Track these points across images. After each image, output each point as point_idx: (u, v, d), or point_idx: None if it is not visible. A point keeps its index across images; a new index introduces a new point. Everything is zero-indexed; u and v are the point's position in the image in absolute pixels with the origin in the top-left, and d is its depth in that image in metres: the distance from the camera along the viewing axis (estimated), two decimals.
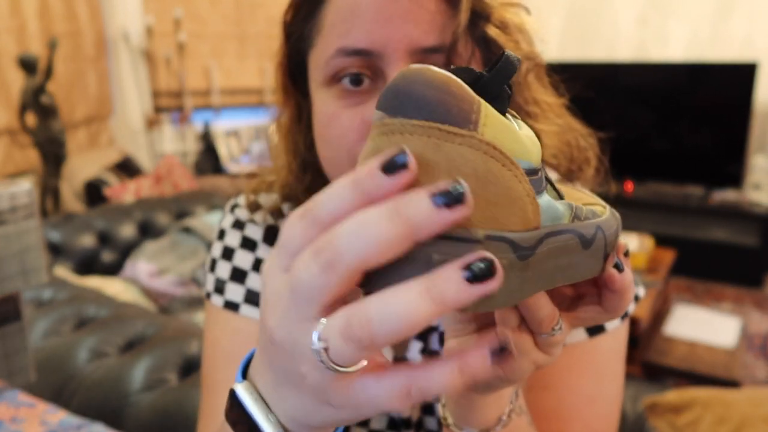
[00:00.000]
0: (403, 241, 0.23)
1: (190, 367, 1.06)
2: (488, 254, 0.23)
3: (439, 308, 0.23)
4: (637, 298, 0.60)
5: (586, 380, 0.55)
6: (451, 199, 0.23)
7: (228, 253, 0.62)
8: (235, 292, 0.60)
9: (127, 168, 3.17)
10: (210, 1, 3.65)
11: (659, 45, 3.65)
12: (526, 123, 0.32)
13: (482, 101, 0.25)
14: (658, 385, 1.22)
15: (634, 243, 2.44)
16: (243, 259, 0.61)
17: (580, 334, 0.55)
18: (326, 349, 0.24)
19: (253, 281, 0.60)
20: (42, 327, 1.18)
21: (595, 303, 0.35)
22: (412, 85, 0.25)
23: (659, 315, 2.36)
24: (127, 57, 3.51)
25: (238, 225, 0.63)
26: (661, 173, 3.58)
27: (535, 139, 0.28)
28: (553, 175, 0.55)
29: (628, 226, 3.03)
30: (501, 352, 0.26)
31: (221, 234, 0.64)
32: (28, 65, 2.62)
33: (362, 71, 0.47)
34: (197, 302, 1.92)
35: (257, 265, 0.61)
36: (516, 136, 0.26)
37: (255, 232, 0.62)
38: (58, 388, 1.05)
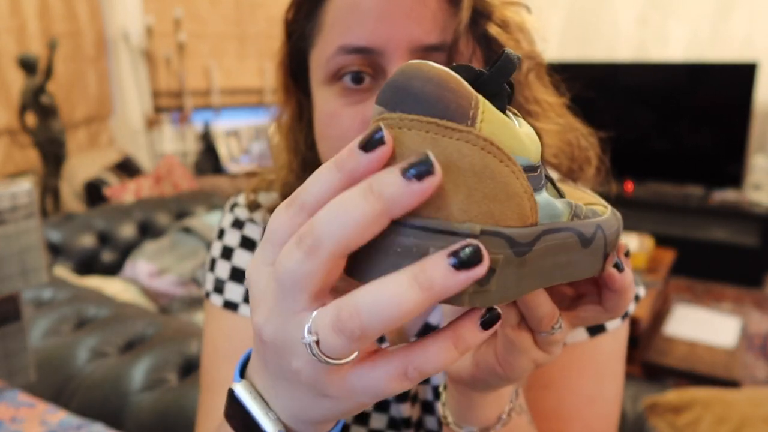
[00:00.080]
0: (379, 218, 0.23)
1: (190, 367, 1.06)
2: (474, 241, 0.23)
3: (427, 295, 0.23)
4: (637, 298, 0.60)
5: (587, 380, 0.55)
6: (421, 171, 0.23)
7: (227, 253, 0.62)
8: (234, 291, 0.60)
9: (127, 168, 3.17)
10: (210, 1, 3.65)
11: (659, 45, 3.65)
12: (527, 122, 0.32)
13: (480, 97, 0.25)
14: (658, 385, 1.22)
15: (634, 243, 2.44)
16: (242, 258, 0.61)
17: (580, 333, 0.55)
18: (317, 342, 0.24)
19: None
20: (42, 327, 1.18)
21: (595, 302, 0.35)
22: (411, 81, 0.25)
23: (659, 315, 2.36)
24: (127, 57, 3.51)
25: (238, 224, 0.63)
26: (661, 173, 3.58)
27: (535, 136, 0.28)
28: (554, 175, 0.55)
29: (628, 226, 3.03)
30: (490, 321, 0.26)
31: (221, 233, 0.64)
32: (28, 65, 2.62)
33: (363, 69, 0.47)
34: (197, 302, 1.92)
35: None
36: (514, 133, 0.26)
37: (254, 232, 0.62)
38: (58, 388, 1.05)
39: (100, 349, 1.10)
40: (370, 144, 0.24)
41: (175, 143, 3.68)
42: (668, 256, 2.58)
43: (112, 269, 2.04)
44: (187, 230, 2.10)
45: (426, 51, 0.46)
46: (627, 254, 0.34)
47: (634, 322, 1.96)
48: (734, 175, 3.36)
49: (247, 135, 3.83)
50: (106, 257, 2.06)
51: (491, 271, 0.24)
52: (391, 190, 0.23)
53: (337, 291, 0.26)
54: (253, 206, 0.61)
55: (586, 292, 0.36)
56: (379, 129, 0.24)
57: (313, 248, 0.24)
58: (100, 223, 2.10)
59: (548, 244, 0.27)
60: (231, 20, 3.72)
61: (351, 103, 0.48)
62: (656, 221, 3.40)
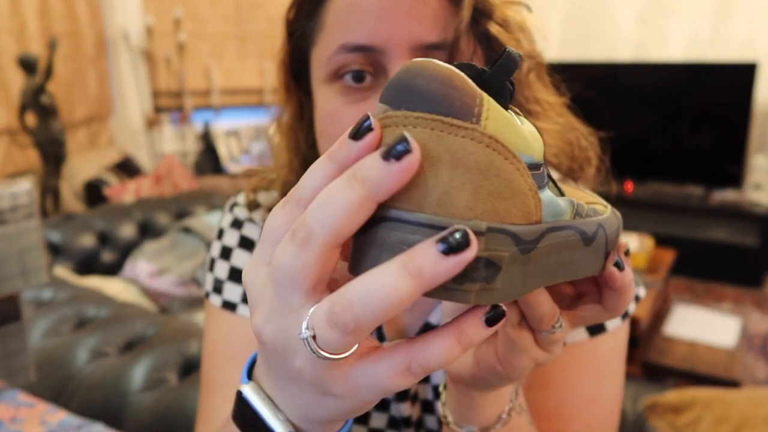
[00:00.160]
0: (365, 202, 0.23)
1: (190, 367, 1.06)
2: (462, 226, 0.23)
3: (418, 283, 0.23)
4: (637, 299, 0.60)
5: (587, 380, 0.55)
6: (399, 151, 0.23)
7: (226, 253, 0.62)
8: (232, 291, 0.60)
9: (127, 168, 3.17)
10: (210, 1, 3.65)
11: (659, 45, 3.65)
12: (528, 121, 0.32)
13: (485, 95, 0.25)
14: (658, 385, 1.22)
15: (634, 243, 2.44)
16: (241, 258, 0.61)
17: (580, 333, 0.55)
18: (314, 338, 0.24)
19: None
20: (42, 327, 1.18)
21: (595, 302, 0.35)
22: (416, 79, 0.25)
23: (659, 315, 2.36)
24: (127, 57, 3.51)
25: (237, 224, 0.63)
26: (661, 173, 3.58)
27: (537, 134, 0.28)
28: (554, 174, 0.55)
29: (628, 226, 3.01)
30: (495, 318, 0.26)
31: (220, 233, 0.64)
32: (28, 65, 2.62)
33: (364, 68, 0.47)
34: (197, 302, 1.92)
35: None
36: (518, 131, 0.26)
37: (253, 231, 0.62)
38: (58, 388, 1.05)
39: (100, 349, 1.10)
40: (359, 133, 0.25)
41: (175, 143, 3.68)
42: (668, 256, 2.58)
43: (112, 269, 2.04)
44: (187, 230, 2.10)
45: (427, 49, 0.46)
46: (627, 253, 0.34)
47: (634, 322, 1.96)
48: (734, 175, 3.36)
49: (247, 135, 3.83)
50: (106, 257, 2.06)
51: (497, 268, 0.24)
52: (373, 174, 0.23)
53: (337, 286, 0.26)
54: (252, 206, 0.61)
55: (586, 292, 0.36)
56: (367, 118, 0.25)
57: (306, 240, 0.24)
58: (100, 223, 2.10)
59: (552, 242, 0.27)
60: (231, 20, 3.72)
61: (352, 101, 0.48)
62: (656, 221, 3.40)
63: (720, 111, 3.36)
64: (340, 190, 0.24)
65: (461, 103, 0.24)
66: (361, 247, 0.25)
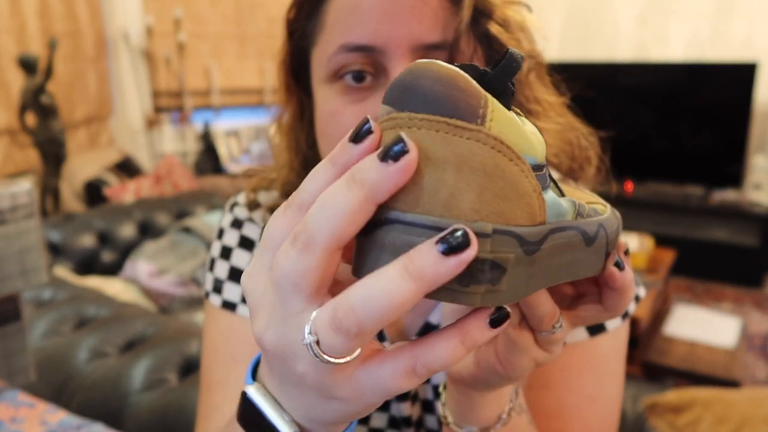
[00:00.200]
0: (365, 204, 0.23)
1: (190, 367, 1.06)
2: (461, 225, 0.23)
3: (419, 284, 0.23)
4: (637, 299, 0.60)
5: (587, 380, 0.55)
6: (396, 152, 0.23)
7: (226, 253, 0.62)
8: (232, 291, 0.60)
9: (127, 168, 3.17)
10: (210, 1, 3.65)
11: (659, 45, 3.65)
12: (529, 121, 0.32)
13: (489, 96, 0.25)
14: (658, 385, 1.22)
15: (634, 243, 2.44)
16: (241, 258, 0.61)
17: (580, 333, 0.55)
18: (317, 343, 0.24)
19: None
20: (42, 327, 1.18)
21: (595, 302, 0.35)
22: (420, 80, 0.25)
23: (659, 315, 2.36)
24: (127, 57, 3.51)
25: (237, 224, 0.63)
26: (661, 173, 3.58)
27: (540, 135, 0.28)
28: (554, 174, 0.55)
29: (628, 226, 3.00)
30: (499, 319, 0.26)
31: (220, 233, 0.64)
32: (28, 65, 2.62)
33: (365, 68, 0.47)
34: (197, 302, 1.92)
35: None
36: (521, 132, 0.26)
37: (253, 231, 0.62)
38: (58, 388, 1.05)
39: (100, 349, 1.10)
40: (359, 136, 0.25)
41: (175, 143, 3.68)
42: (668, 256, 2.58)
43: (112, 269, 2.04)
44: (187, 230, 2.10)
45: (427, 49, 0.46)
46: (626, 253, 0.34)
47: (634, 322, 1.96)
48: (734, 175, 3.36)
49: (247, 135, 3.83)
50: (106, 257, 2.06)
51: (503, 270, 0.24)
52: (371, 175, 0.23)
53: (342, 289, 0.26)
54: (252, 205, 0.61)
55: (586, 292, 0.36)
56: (367, 121, 0.25)
57: (307, 244, 0.24)
58: (100, 223, 2.10)
59: (555, 243, 0.27)
60: (231, 20, 3.72)
61: (352, 101, 0.48)
62: (656, 221, 3.40)
63: (720, 111, 3.36)
64: (339, 192, 0.24)
65: (466, 105, 0.24)
66: (365, 250, 0.25)
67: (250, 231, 0.62)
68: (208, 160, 3.63)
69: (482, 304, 0.25)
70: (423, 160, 0.24)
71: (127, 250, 2.10)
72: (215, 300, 0.60)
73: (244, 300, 0.60)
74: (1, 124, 2.79)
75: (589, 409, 0.55)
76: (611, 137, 0.58)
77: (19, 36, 2.84)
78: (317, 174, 0.26)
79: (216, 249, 0.63)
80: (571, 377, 0.55)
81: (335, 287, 0.27)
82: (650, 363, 2.07)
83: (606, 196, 0.42)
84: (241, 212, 0.63)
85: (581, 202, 0.31)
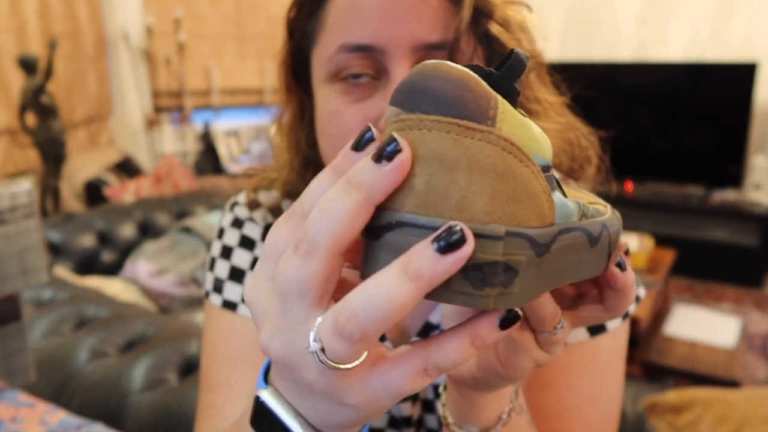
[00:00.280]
0: (363, 206, 0.24)
1: (190, 367, 1.06)
2: (455, 222, 0.23)
3: (418, 285, 0.23)
4: (637, 299, 0.60)
5: (587, 380, 0.55)
6: (389, 151, 0.23)
7: (226, 252, 0.62)
8: (233, 291, 0.60)
9: (127, 168, 3.17)
10: (210, 1, 3.65)
11: (659, 45, 3.65)
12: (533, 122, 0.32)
13: (499, 97, 0.25)
14: (658, 385, 1.22)
15: (634, 243, 2.44)
16: (241, 258, 0.61)
17: (581, 333, 0.55)
18: (323, 350, 0.24)
19: None
20: (42, 327, 1.18)
21: (596, 302, 0.35)
22: (430, 81, 0.24)
23: (659, 315, 2.36)
24: (127, 57, 3.51)
25: (237, 223, 0.63)
26: (661, 173, 3.58)
27: (546, 136, 0.28)
28: (556, 175, 0.55)
29: (628, 226, 3.00)
30: (510, 321, 0.26)
31: (220, 233, 0.64)
32: (28, 65, 2.62)
33: (365, 68, 0.47)
34: (197, 302, 1.92)
35: (255, 264, 0.61)
36: (531, 133, 0.26)
37: (254, 231, 0.62)
38: (58, 388, 1.05)
39: (100, 349, 1.10)
40: (361, 144, 0.25)
41: (175, 143, 3.68)
42: (668, 256, 2.58)
43: (112, 269, 2.04)
44: (187, 230, 2.10)
45: (427, 49, 0.46)
46: (627, 253, 0.34)
47: (634, 322, 1.96)
48: (734, 175, 3.36)
49: (247, 135, 3.83)
50: (106, 257, 2.06)
51: (515, 272, 0.24)
52: (368, 177, 0.23)
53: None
54: (253, 205, 0.61)
55: (587, 292, 0.36)
56: (369, 128, 0.25)
57: (309, 250, 0.24)
58: (100, 223, 2.10)
59: (562, 244, 0.27)
60: (231, 20, 3.72)
61: (352, 101, 0.48)
62: (656, 221, 3.40)
63: (720, 111, 3.37)
64: (337, 197, 0.24)
65: (476, 106, 0.24)
66: (374, 254, 0.25)
67: (250, 230, 0.62)
68: (208, 160, 3.63)
69: (495, 307, 0.25)
70: (434, 162, 0.24)
71: (127, 250, 2.10)
72: (215, 300, 0.60)
73: (244, 299, 0.59)
74: (1, 124, 2.79)
75: (589, 409, 0.55)
76: (611, 137, 0.58)
77: (19, 36, 2.84)
78: (319, 182, 0.26)
79: (216, 248, 0.63)
80: (571, 377, 0.55)
81: (342, 294, 0.27)
82: (650, 363, 2.07)
83: (606, 196, 0.42)
84: (241, 212, 0.63)
85: (586, 202, 0.31)
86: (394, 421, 0.58)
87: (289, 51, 0.55)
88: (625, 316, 0.57)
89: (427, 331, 0.57)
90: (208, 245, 2.03)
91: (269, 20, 3.76)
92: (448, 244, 0.22)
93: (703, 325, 2.29)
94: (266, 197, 0.62)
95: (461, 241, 0.22)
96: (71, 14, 3.17)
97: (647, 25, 3.67)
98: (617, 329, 0.56)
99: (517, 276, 0.24)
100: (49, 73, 2.64)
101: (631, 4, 3.69)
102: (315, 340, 0.25)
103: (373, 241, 0.25)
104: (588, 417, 0.54)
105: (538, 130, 0.27)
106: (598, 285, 0.34)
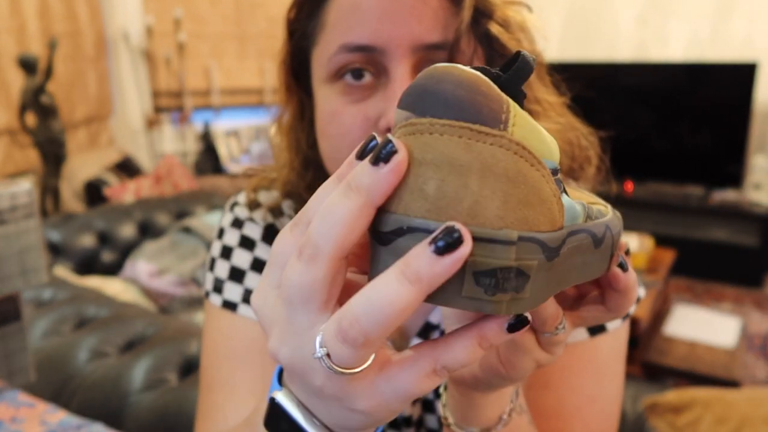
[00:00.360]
0: (363, 209, 0.24)
1: (190, 367, 1.06)
2: (452, 223, 0.23)
3: (418, 287, 0.23)
4: (638, 299, 0.60)
5: (587, 380, 0.55)
6: (385, 154, 0.23)
7: (226, 252, 0.62)
8: (233, 291, 0.60)
9: (127, 168, 3.17)
10: (210, 1, 3.65)
11: (659, 45, 3.65)
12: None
13: (510, 101, 0.25)
14: (658, 385, 1.22)
15: (634, 243, 2.44)
16: (241, 258, 0.61)
17: (581, 333, 0.55)
18: (328, 355, 0.25)
19: (251, 281, 0.60)
20: (42, 327, 1.18)
21: (597, 302, 0.35)
22: (441, 84, 0.24)
23: (659, 315, 2.36)
24: (127, 57, 3.51)
25: (237, 224, 0.63)
26: (661, 173, 3.58)
27: (554, 139, 0.28)
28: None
29: (628, 226, 3.00)
30: (518, 325, 0.26)
31: (220, 233, 0.64)
32: (28, 65, 2.62)
33: (365, 67, 0.47)
34: (197, 302, 1.92)
35: (255, 264, 0.61)
36: (541, 136, 0.26)
37: (254, 231, 0.62)
38: (58, 388, 1.05)
39: (100, 349, 1.10)
40: (365, 152, 0.25)
41: (175, 143, 3.68)
42: (668, 256, 2.58)
43: (112, 269, 2.04)
44: (187, 230, 2.10)
45: (427, 50, 0.46)
46: (627, 253, 0.34)
47: (634, 322, 1.96)
48: (734, 175, 3.36)
49: (247, 135, 3.83)
50: (106, 257, 2.06)
51: (527, 277, 0.24)
52: (366, 181, 0.24)
53: None
54: (253, 205, 0.61)
55: (588, 292, 0.36)
56: (373, 137, 0.25)
57: (312, 256, 0.24)
58: (100, 223, 2.10)
59: (569, 247, 0.27)
60: (231, 20, 3.72)
61: (352, 101, 0.48)
62: (656, 221, 3.40)
63: (720, 111, 3.37)
64: (337, 201, 0.24)
65: (489, 110, 0.24)
66: (383, 259, 0.25)
67: (250, 230, 0.62)
68: (208, 160, 3.63)
69: (508, 312, 0.25)
70: (445, 167, 0.24)
71: (127, 250, 2.10)
72: (215, 300, 0.60)
73: (244, 300, 0.60)
74: (1, 124, 2.79)
75: (589, 409, 0.55)
76: (611, 137, 0.58)
77: (19, 36, 2.84)
78: (324, 191, 0.26)
79: (216, 249, 0.63)
80: (572, 377, 0.55)
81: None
82: (650, 363, 2.07)
83: (606, 196, 0.42)
84: (241, 212, 0.63)
85: (587, 203, 0.31)
86: (394, 421, 0.58)
87: (289, 51, 0.55)
88: (626, 316, 0.57)
89: (427, 331, 0.57)
90: (208, 245, 2.03)
91: (269, 20, 3.76)
92: (447, 244, 0.22)
93: (703, 325, 2.29)
94: (266, 197, 0.62)
95: (459, 242, 0.22)
96: (71, 14, 3.17)
97: (647, 25, 3.67)
98: (617, 329, 0.56)
99: (528, 281, 0.24)
100: (49, 73, 2.64)
101: (631, 4, 3.69)
102: (321, 346, 0.25)
103: (383, 246, 0.25)
104: (588, 417, 0.54)
105: (547, 134, 0.27)
106: (600, 285, 0.34)
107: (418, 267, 0.23)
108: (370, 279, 0.26)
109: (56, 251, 1.94)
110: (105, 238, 2.08)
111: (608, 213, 0.34)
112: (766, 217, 3.19)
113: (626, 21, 3.72)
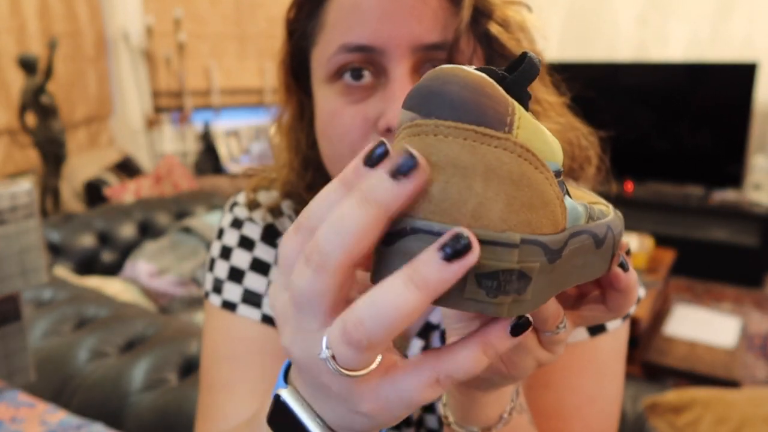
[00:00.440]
0: (377, 222, 0.23)
1: (190, 367, 1.06)
2: (460, 229, 0.23)
3: (425, 293, 0.23)
4: (638, 299, 0.60)
5: (587, 379, 0.55)
6: (407, 167, 0.23)
7: (226, 253, 0.62)
8: (232, 291, 0.60)
9: (127, 168, 3.17)
10: (210, 1, 3.65)
11: (659, 45, 3.65)
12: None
13: (516, 103, 0.25)
14: (658, 385, 1.22)
15: (634, 243, 2.44)
16: (240, 258, 0.61)
17: (581, 333, 0.55)
18: (333, 357, 0.25)
19: (251, 281, 0.60)
20: (42, 327, 1.18)
21: (598, 302, 0.35)
22: (446, 86, 0.24)
23: (659, 315, 2.36)
24: (127, 57, 3.51)
25: (237, 224, 0.63)
26: (661, 173, 3.58)
27: (557, 141, 0.28)
28: None
29: (628, 226, 3.01)
30: (521, 327, 0.26)
31: (220, 233, 0.64)
32: (28, 65, 2.62)
33: (364, 67, 0.47)
34: (197, 302, 1.92)
35: (255, 264, 0.61)
36: (545, 138, 0.26)
37: (253, 231, 0.62)
38: (58, 388, 1.05)
39: (100, 349, 1.10)
40: (373, 159, 0.24)
41: (175, 143, 3.68)
42: (668, 256, 2.58)
43: (112, 269, 2.04)
44: (187, 230, 2.10)
45: (427, 49, 0.46)
46: (628, 253, 0.34)
47: (634, 322, 1.96)
48: (734, 175, 3.36)
49: (247, 135, 3.83)
50: (106, 257, 2.06)
51: (529, 279, 0.24)
52: (385, 195, 0.23)
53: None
54: (252, 205, 0.61)
55: (589, 292, 0.36)
56: (382, 143, 0.24)
57: (321, 264, 0.24)
58: (100, 223, 2.10)
59: (571, 248, 0.27)
60: (231, 20, 3.72)
61: (352, 101, 0.48)
62: (656, 221, 3.40)
63: (720, 111, 3.37)
64: (350, 211, 0.24)
65: (494, 112, 0.24)
66: (386, 260, 0.25)
67: (250, 231, 0.62)
68: (208, 160, 3.63)
69: (509, 315, 0.25)
70: (449, 168, 0.23)
71: (127, 250, 2.10)
72: (215, 300, 0.60)
73: (244, 300, 0.60)
74: (1, 124, 2.79)
75: (589, 409, 0.55)
76: (611, 137, 0.58)
77: (19, 36, 2.84)
78: (328, 196, 0.26)
79: (216, 249, 0.63)
80: (572, 377, 0.55)
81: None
82: (650, 363, 2.07)
83: (606, 196, 0.42)
84: (241, 212, 0.63)
85: (588, 203, 0.31)
86: None
87: (288, 51, 0.55)
88: (626, 316, 0.57)
89: (427, 331, 0.57)
90: (208, 245, 2.03)
91: (269, 20, 3.76)
92: (455, 251, 0.22)
93: (703, 325, 2.29)
94: (266, 197, 0.62)
95: (467, 248, 0.22)
96: (71, 14, 3.17)
97: (647, 25, 3.67)
98: (617, 329, 0.56)
99: (530, 283, 0.24)
100: (49, 73, 2.64)
101: (631, 4, 3.69)
102: (326, 347, 0.25)
103: (386, 247, 0.25)
104: (588, 417, 0.54)
105: (550, 135, 0.27)
106: (601, 285, 0.34)
107: (427, 273, 0.23)
108: (372, 278, 0.26)
109: (56, 251, 1.94)
110: (105, 238, 2.08)
111: (610, 213, 0.34)
112: (766, 217, 3.19)
113: (626, 21, 3.72)
